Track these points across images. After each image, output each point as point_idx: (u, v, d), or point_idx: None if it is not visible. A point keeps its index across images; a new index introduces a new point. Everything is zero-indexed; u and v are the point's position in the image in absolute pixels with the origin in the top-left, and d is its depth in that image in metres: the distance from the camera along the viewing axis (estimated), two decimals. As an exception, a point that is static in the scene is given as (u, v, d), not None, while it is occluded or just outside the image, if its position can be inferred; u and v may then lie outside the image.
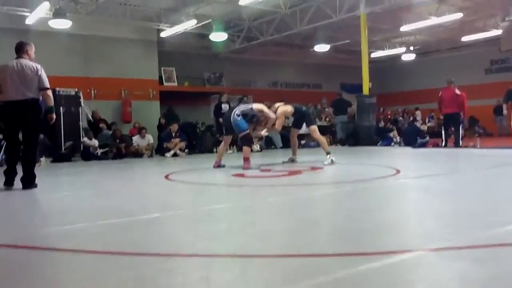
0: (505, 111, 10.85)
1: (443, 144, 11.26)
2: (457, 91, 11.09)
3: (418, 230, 2.97)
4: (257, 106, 7.61)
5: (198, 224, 3.30)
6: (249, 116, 7.35)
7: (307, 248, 2.54)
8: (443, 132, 11.50)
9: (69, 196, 5.07)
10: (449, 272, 2.08)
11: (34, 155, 5.70)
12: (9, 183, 5.37)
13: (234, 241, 2.80)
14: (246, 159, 7.20)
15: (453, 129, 11.23)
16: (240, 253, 2.47)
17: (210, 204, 4.20)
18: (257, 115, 7.51)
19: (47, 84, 5.50)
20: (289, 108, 7.81)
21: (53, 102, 5.64)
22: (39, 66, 5.47)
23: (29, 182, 5.37)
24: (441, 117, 12.00)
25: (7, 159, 5.76)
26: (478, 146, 11.03)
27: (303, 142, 14.49)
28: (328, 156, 7.46)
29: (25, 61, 5.45)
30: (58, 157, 10.63)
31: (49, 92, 5.57)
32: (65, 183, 6.73)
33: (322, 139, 8.06)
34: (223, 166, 7.53)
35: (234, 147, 12.45)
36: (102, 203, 4.45)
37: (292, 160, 8.17)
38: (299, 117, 8.06)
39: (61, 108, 11.29)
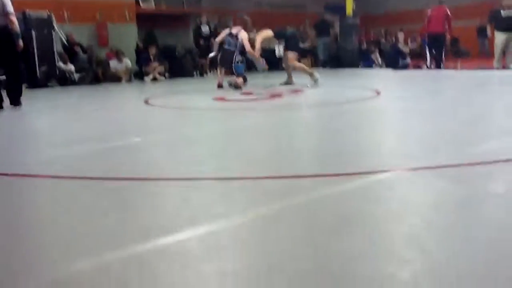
0: (489, 33, 10.70)
1: (428, 64, 11.12)
2: (448, 11, 10.86)
3: (396, 151, 3.02)
4: (242, 35, 7.69)
5: (178, 149, 3.29)
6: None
7: (288, 170, 2.57)
8: (427, 53, 11.28)
9: (46, 122, 4.98)
10: (424, 190, 2.15)
11: (18, 75, 5.93)
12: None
13: (215, 164, 2.81)
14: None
15: (434, 51, 11.09)
16: (220, 176, 2.49)
17: (191, 128, 4.18)
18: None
19: (10, 8, 5.44)
20: (268, 33, 7.79)
21: (18, 28, 5.63)
22: None
23: (17, 98, 5.74)
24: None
25: None
26: (458, 68, 11.05)
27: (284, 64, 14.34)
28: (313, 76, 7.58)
29: None
30: (34, 83, 10.33)
31: (13, 17, 5.51)
32: (41, 109, 6.58)
33: (300, 66, 7.99)
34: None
35: (215, 69, 12.19)
36: (80, 129, 4.38)
37: (286, 83, 8.07)
38: (287, 40, 7.96)
39: (33, 32, 10.78)
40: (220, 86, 7.72)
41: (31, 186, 2.49)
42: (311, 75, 7.65)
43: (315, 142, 3.46)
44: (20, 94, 5.82)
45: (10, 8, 5.48)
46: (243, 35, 7.71)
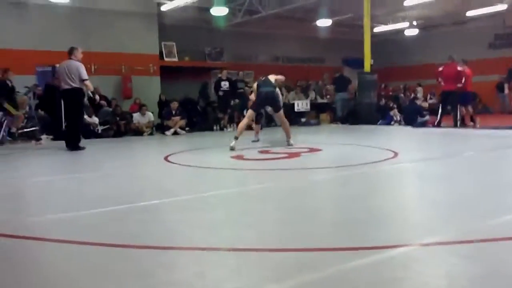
0: (506, 90, 10.72)
1: (437, 122, 11.09)
2: (459, 68, 10.96)
3: (410, 222, 3.03)
4: (272, 78, 7.99)
5: (194, 213, 3.35)
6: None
7: (300, 241, 2.60)
8: (439, 110, 11.28)
9: (65, 179, 5.12)
10: (438, 270, 2.14)
11: (77, 125, 8.26)
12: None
13: (230, 232, 2.86)
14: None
15: (449, 107, 11.11)
16: (235, 246, 2.53)
17: (207, 190, 4.25)
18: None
19: (85, 76, 7.83)
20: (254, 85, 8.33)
21: (92, 88, 8.22)
22: (79, 64, 7.89)
23: (74, 144, 7.97)
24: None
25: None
26: (478, 126, 11.00)
27: (303, 120, 14.51)
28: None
29: (72, 62, 7.91)
30: (59, 135, 10.65)
31: (87, 82, 7.92)
32: (63, 163, 6.78)
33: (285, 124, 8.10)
34: (257, 140, 8.44)
35: (234, 124, 12.43)
36: (98, 188, 4.50)
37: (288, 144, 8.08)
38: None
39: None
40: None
41: (38, 250, 2.55)
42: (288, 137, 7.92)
43: (328, 211, 3.49)
44: (78, 141, 8.09)
45: (85, 75, 7.84)
46: (274, 77, 8.01)
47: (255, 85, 8.16)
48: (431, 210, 3.33)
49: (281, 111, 8.03)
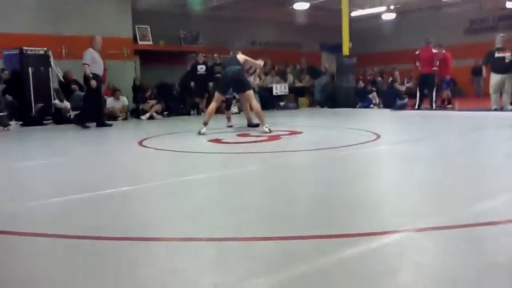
0: (484, 73, 10.79)
1: (417, 105, 11.10)
2: (434, 50, 10.95)
3: (400, 206, 2.84)
4: (240, 57, 7.41)
5: (170, 199, 3.12)
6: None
7: (285, 229, 2.40)
8: (417, 93, 11.28)
9: (35, 166, 4.80)
10: (438, 257, 1.97)
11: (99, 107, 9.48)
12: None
13: (209, 220, 2.64)
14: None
15: (426, 90, 11.09)
16: (214, 236, 2.31)
17: (184, 174, 4.00)
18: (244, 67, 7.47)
19: (83, 61, 8.80)
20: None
21: (87, 72, 8.81)
22: (86, 51, 8.96)
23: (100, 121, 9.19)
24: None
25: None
26: (456, 108, 11.02)
27: (281, 104, 14.32)
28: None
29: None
30: (29, 120, 10.21)
31: (84, 66, 8.81)
32: (33, 150, 6.42)
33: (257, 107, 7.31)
34: (231, 127, 7.97)
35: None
36: (69, 174, 4.23)
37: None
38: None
39: (30, 69, 10.74)
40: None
41: (6, 245, 2.30)
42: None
43: (313, 195, 3.29)
44: (82, 119, 9.09)
45: (83, 60, 8.79)
46: (241, 57, 7.44)
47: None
48: (420, 193, 3.18)
49: (250, 91, 7.32)
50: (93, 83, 8.73)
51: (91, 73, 8.76)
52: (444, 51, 11.47)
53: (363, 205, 2.87)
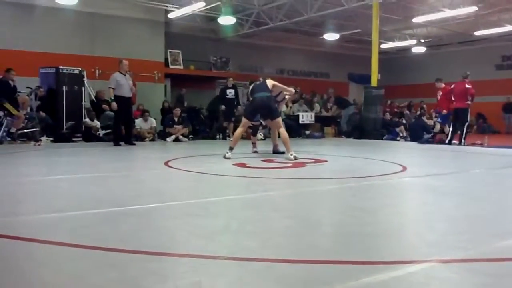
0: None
1: (448, 140, 10.95)
2: (467, 85, 10.83)
3: (427, 236, 2.78)
4: (270, 83, 7.37)
5: (193, 219, 3.13)
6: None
7: (308, 252, 2.36)
8: (450, 128, 11.16)
9: (62, 179, 4.90)
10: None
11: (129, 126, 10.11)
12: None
13: (231, 240, 2.63)
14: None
15: (455, 125, 10.92)
16: (236, 255, 2.30)
17: (208, 195, 4.02)
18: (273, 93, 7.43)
19: (109, 85, 9.49)
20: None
21: (110, 95, 9.52)
22: (112, 75, 9.52)
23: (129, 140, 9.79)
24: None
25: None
26: (486, 144, 10.81)
27: (307, 132, 14.32)
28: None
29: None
30: (59, 137, 10.48)
31: (109, 90, 9.50)
32: (61, 164, 6.57)
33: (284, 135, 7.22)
34: (256, 152, 7.93)
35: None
36: (95, 189, 4.29)
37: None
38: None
39: (64, 87, 11.12)
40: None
41: (25, 252, 2.32)
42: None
43: (338, 221, 3.24)
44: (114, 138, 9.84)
45: (109, 84, 9.51)
46: (270, 82, 7.40)
47: (250, 88, 7.62)
48: (448, 225, 3.09)
49: (279, 119, 7.34)
50: (114, 105, 9.43)
51: (116, 95, 9.39)
52: (443, 85, 11.46)
53: (388, 233, 2.82)
